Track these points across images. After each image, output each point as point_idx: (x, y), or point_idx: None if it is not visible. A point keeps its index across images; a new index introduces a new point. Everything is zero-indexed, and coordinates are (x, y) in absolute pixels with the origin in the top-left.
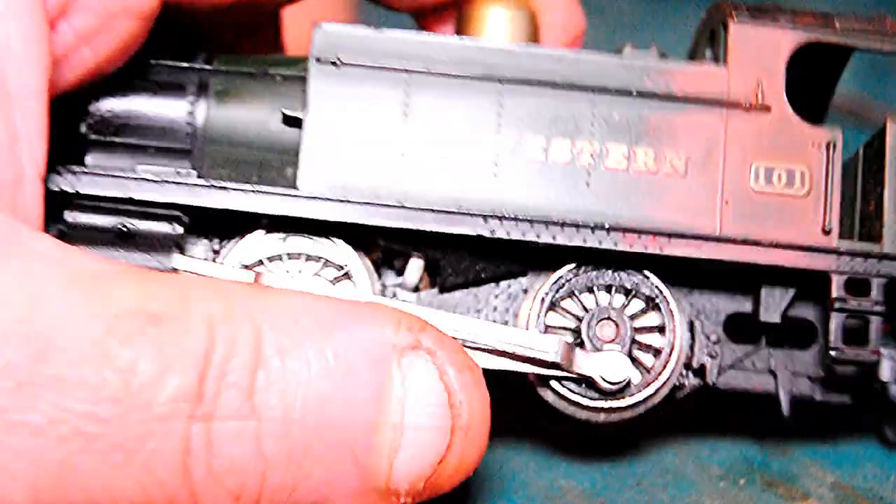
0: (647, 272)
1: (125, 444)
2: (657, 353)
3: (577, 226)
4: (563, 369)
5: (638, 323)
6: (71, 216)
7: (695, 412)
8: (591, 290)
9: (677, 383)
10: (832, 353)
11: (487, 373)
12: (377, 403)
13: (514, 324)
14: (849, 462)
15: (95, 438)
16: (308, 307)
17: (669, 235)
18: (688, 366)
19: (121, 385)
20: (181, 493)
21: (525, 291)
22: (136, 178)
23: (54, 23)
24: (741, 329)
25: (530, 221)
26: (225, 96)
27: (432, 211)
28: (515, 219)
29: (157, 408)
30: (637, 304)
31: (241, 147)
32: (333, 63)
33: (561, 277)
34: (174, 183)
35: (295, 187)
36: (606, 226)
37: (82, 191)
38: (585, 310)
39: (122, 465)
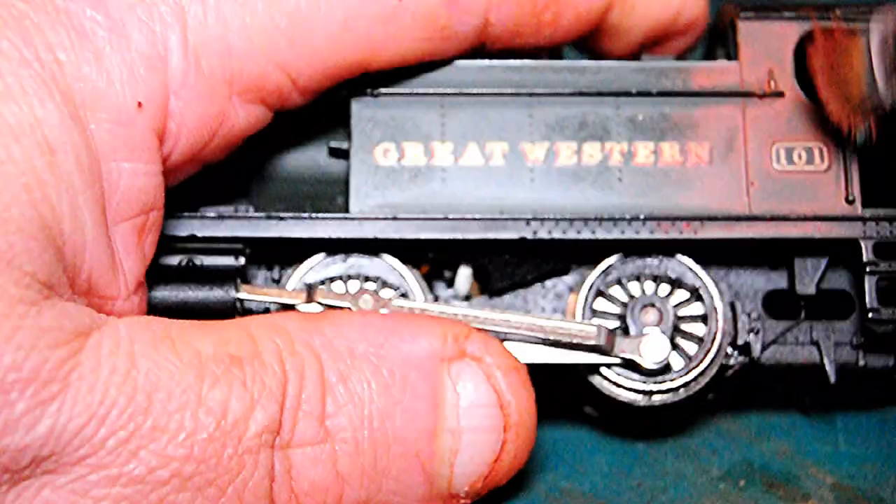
0: (686, 259)
1: (219, 479)
2: (699, 341)
3: (613, 219)
4: (605, 353)
5: (681, 312)
6: None
7: (694, 413)
8: (637, 279)
9: (724, 363)
10: (870, 314)
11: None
12: (434, 411)
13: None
14: (849, 463)
15: (192, 476)
16: (359, 330)
17: (702, 220)
18: (733, 344)
19: (215, 425)
20: None
21: (571, 290)
22: (198, 217)
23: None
24: (780, 305)
25: (569, 220)
26: (274, 136)
27: (476, 219)
28: (555, 219)
29: (246, 441)
30: (681, 294)
31: (292, 183)
32: (371, 94)
33: (609, 265)
34: (233, 218)
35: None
36: (642, 216)
37: None
38: (631, 297)
39: (215, 498)
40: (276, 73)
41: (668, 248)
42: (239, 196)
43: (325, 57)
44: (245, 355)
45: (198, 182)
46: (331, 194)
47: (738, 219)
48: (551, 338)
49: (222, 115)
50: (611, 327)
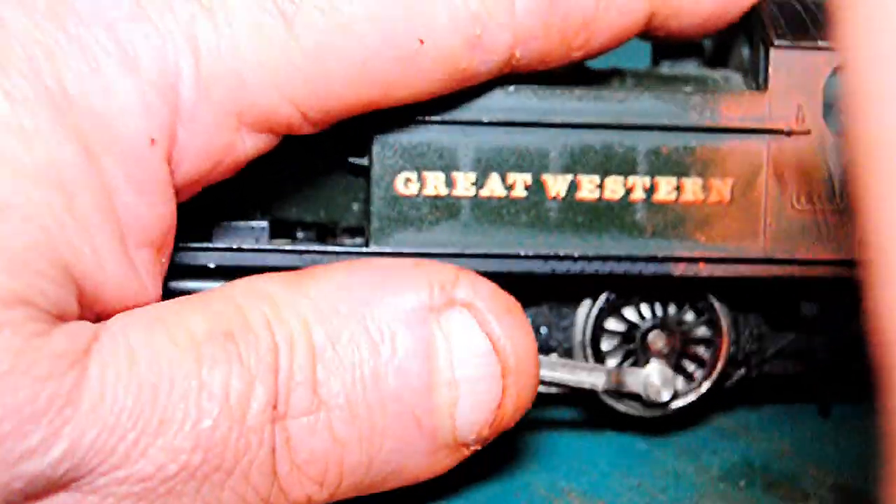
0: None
1: (226, 463)
2: (702, 363)
3: (632, 259)
4: (612, 394)
5: (689, 334)
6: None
7: (695, 414)
8: (647, 300)
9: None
10: None
11: None
12: (427, 366)
13: (571, 331)
14: (849, 463)
15: (200, 465)
16: (345, 289)
17: (720, 261)
18: (733, 359)
19: (219, 409)
20: (272, 490)
21: (577, 303)
22: (219, 249)
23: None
24: (781, 317)
25: (588, 259)
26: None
27: (497, 256)
28: (573, 257)
29: (250, 420)
30: (689, 315)
31: (307, 187)
32: (393, 121)
33: (612, 294)
34: (254, 251)
35: (360, 225)
36: (660, 256)
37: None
38: (642, 317)
39: (223, 481)
40: (287, 108)
41: (683, 284)
42: (250, 202)
43: (340, 95)
44: (235, 328)
45: (207, 191)
46: (346, 201)
47: (755, 261)
48: (558, 381)
49: (229, 145)
50: (615, 345)
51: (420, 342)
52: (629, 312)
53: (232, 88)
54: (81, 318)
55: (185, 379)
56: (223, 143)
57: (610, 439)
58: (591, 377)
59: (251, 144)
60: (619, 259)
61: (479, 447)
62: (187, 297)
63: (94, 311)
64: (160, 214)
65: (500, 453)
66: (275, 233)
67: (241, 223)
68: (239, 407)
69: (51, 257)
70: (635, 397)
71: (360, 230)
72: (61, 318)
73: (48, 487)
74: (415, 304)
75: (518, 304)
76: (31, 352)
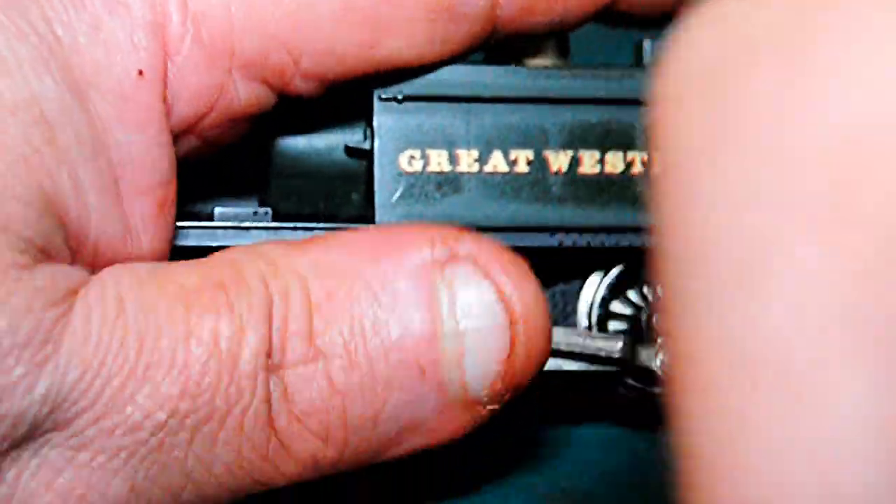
0: None
1: (217, 412)
2: None
3: (636, 229)
4: (626, 364)
5: None
6: None
7: None
8: (650, 282)
9: None
10: None
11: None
12: (429, 315)
13: (576, 313)
14: None
15: (189, 414)
16: (345, 247)
17: None
18: None
19: (208, 354)
20: (270, 445)
21: (581, 287)
22: (221, 227)
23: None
24: None
25: (593, 230)
26: (290, 132)
27: (502, 229)
28: (579, 229)
29: (242, 366)
30: None
31: (307, 179)
32: (396, 100)
33: (623, 268)
34: (257, 228)
35: (363, 212)
36: None
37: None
38: (645, 298)
39: (216, 433)
40: (277, 52)
41: None
42: (250, 192)
43: (329, 38)
44: (227, 280)
45: (209, 181)
46: (346, 191)
47: None
48: (576, 350)
49: (221, 87)
50: (626, 334)
51: (422, 294)
52: (633, 295)
53: (221, 27)
54: (73, 258)
55: (173, 325)
56: (215, 83)
57: (610, 439)
58: (607, 344)
59: (244, 93)
60: (623, 230)
61: (495, 406)
62: (186, 261)
63: (86, 259)
64: (156, 156)
65: (500, 452)
66: None
67: (244, 209)
68: (229, 353)
69: (30, 184)
70: (647, 377)
71: (361, 220)
72: (48, 255)
73: (32, 430)
74: (416, 260)
75: (523, 260)
76: (10, 282)
